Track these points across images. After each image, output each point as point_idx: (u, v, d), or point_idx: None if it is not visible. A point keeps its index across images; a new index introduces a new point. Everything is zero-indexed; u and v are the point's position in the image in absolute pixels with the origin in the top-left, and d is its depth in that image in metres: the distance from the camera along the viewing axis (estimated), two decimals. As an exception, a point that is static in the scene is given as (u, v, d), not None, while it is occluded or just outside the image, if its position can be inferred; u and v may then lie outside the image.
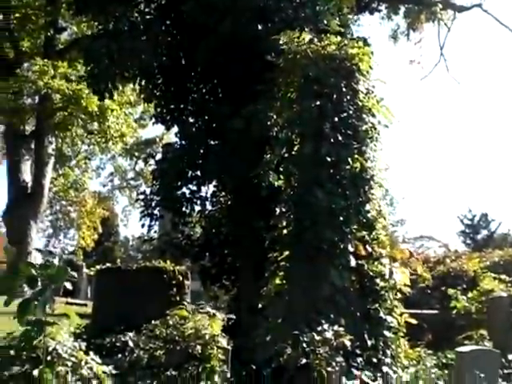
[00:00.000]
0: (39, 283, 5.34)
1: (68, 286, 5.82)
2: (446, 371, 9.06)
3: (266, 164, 8.40)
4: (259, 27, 11.78)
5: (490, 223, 46.66)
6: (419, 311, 15.14)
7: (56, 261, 5.44)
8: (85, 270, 31.79)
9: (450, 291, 14.78)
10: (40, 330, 5.28)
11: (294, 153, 8.07)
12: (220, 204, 14.15)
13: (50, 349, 5.51)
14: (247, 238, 12.23)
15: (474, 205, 52.99)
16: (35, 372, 5.36)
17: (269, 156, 8.38)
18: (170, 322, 8.12)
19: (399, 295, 8.95)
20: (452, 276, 19.35)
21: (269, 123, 9.65)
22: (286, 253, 7.66)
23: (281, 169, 8.35)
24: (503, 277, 14.63)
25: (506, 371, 9.39)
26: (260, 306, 8.07)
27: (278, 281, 7.70)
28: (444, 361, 9.90)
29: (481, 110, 72.04)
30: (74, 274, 5.75)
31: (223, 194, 13.73)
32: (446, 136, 72.79)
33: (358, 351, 6.79)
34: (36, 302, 5.20)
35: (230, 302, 14.57)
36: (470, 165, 71.50)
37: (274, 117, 9.11)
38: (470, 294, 14.28)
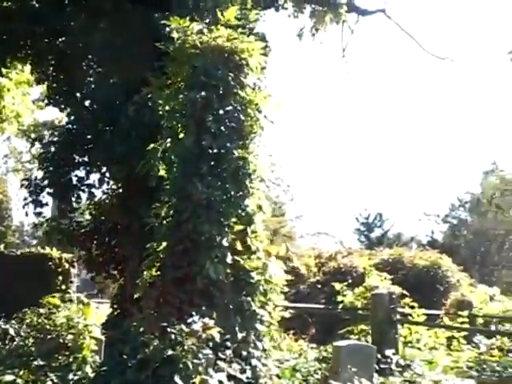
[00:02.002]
0: None
1: None
2: (324, 364, 9.30)
3: (152, 153, 8.28)
4: (156, 15, 11.65)
5: (384, 222, 48.46)
6: (305, 305, 15.52)
7: None
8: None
9: (337, 286, 15.17)
10: None
11: (177, 143, 8.00)
12: (111, 191, 13.91)
13: None
14: (135, 227, 12.07)
15: (370, 203, 54.65)
16: None
17: (152, 146, 8.27)
18: (42, 311, 7.94)
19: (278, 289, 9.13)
20: (342, 272, 19.91)
21: (160, 112, 9.55)
22: (164, 243, 7.62)
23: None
24: (385, 274, 15.20)
25: (382, 366, 9.70)
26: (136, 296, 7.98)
27: (154, 271, 7.64)
28: (325, 354, 10.13)
29: (380, 112, 74.26)
30: None
31: (113, 182, 13.50)
32: (345, 136, 74.43)
33: (228, 344, 6.82)
34: None
35: (116, 292, 14.37)
36: (368, 165, 73.73)
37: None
38: (356, 290, 14.70)
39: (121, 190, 13.24)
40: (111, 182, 13.52)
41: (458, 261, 25.03)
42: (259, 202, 7.94)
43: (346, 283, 15.43)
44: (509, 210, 43.64)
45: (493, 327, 15.64)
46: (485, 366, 10.59)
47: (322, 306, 15.68)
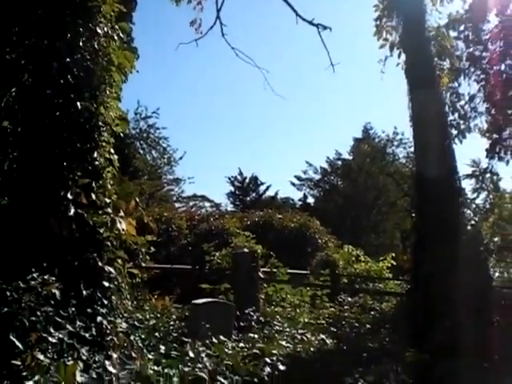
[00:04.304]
0: None
1: None
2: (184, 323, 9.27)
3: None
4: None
5: (259, 186, 49.18)
6: (171, 266, 15.43)
7: None
8: None
9: (205, 246, 15.22)
10: None
11: (21, 93, 7.52)
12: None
13: None
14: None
15: (245, 167, 54.76)
16: None
17: (-5, 93, 7.73)
18: None
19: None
20: (214, 233, 19.97)
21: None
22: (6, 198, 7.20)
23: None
24: (250, 235, 15.40)
25: (242, 323, 9.80)
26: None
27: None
28: (187, 313, 10.11)
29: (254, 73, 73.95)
30: None
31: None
32: (218, 96, 73.71)
33: (73, 301, 6.56)
34: None
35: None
36: (244, 128, 73.92)
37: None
38: (223, 251, 14.80)
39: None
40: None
41: (328, 224, 25.81)
42: (109, 156, 7.66)
43: (213, 244, 15.52)
44: (378, 176, 45.50)
45: (357, 286, 16.25)
46: (344, 323, 10.99)
47: (189, 267, 15.65)
